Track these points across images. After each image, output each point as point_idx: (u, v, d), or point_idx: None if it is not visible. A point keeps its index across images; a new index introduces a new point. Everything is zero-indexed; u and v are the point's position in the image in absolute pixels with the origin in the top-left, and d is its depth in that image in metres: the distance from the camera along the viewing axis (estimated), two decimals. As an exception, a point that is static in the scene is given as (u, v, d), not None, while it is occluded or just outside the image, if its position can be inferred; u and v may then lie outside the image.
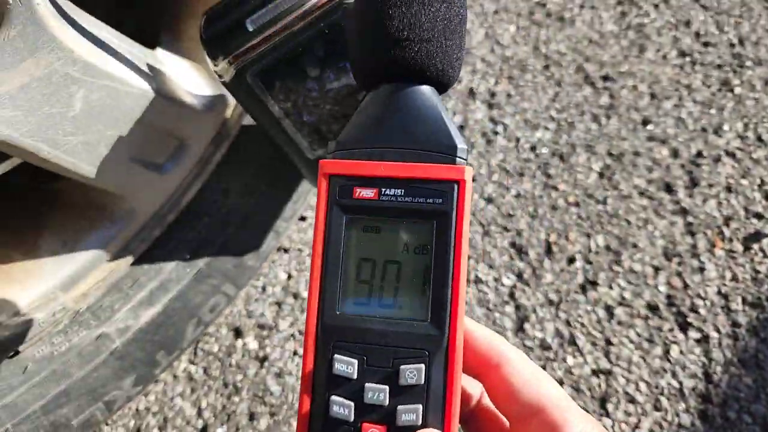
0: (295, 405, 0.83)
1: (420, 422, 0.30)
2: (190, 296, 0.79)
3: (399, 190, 0.31)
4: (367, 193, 0.31)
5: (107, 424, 0.83)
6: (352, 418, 0.30)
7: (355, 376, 0.30)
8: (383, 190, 0.31)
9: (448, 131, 0.32)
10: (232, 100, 0.74)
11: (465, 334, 0.32)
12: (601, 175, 1.03)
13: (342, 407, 0.30)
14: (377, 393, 0.30)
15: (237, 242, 0.82)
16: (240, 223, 0.82)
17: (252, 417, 0.82)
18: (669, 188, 1.01)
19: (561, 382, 0.83)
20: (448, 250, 0.31)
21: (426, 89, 0.33)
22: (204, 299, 0.81)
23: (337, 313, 0.31)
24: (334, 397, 0.30)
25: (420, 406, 0.30)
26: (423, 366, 0.30)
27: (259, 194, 0.82)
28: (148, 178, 0.70)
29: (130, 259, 0.75)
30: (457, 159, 0.31)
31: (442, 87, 0.34)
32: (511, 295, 0.91)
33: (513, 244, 0.96)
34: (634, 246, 0.95)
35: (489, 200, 1.01)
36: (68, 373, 0.71)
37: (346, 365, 0.30)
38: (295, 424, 0.81)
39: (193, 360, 0.87)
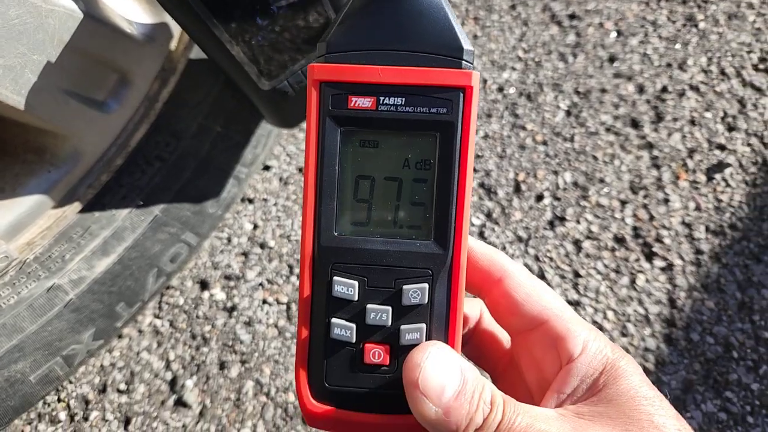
0: (266, 352, 0.81)
1: (424, 339, 0.29)
2: (147, 245, 0.76)
3: (399, 99, 0.28)
4: (364, 102, 0.28)
5: (71, 382, 0.80)
6: (354, 340, 0.29)
7: (356, 298, 0.29)
8: (381, 98, 0.28)
9: (453, 31, 0.28)
10: (176, 31, 0.69)
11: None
12: (568, 113, 1.02)
13: (343, 329, 0.29)
14: (380, 314, 0.29)
15: (194, 188, 0.78)
16: (196, 167, 0.78)
17: (222, 366, 0.80)
18: (635, 123, 1.00)
19: (531, 315, 0.83)
20: (452, 164, 0.28)
21: None
22: (163, 248, 0.77)
23: (335, 234, 0.29)
24: (334, 320, 0.29)
25: (423, 325, 0.29)
26: (426, 285, 0.29)
27: (215, 136, 0.78)
28: (89, 116, 0.66)
29: (77, 205, 0.71)
30: (463, 63, 0.28)
31: None
32: (481, 234, 0.90)
33: (482, 185, 0.95)
34: (601, 181, 0.95)
35: (457, 142, 0.99)
36: (19, 326, 0.68)
37: (346, 287, 0.29)
38: (267, 370, 0.80)
39: (158, 314, 0.85)
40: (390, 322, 0.29)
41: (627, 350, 0.80)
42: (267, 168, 0.97)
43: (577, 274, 0.86)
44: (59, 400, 0.79)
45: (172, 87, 0.73)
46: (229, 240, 0.90)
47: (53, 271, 0.70)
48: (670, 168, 0.96)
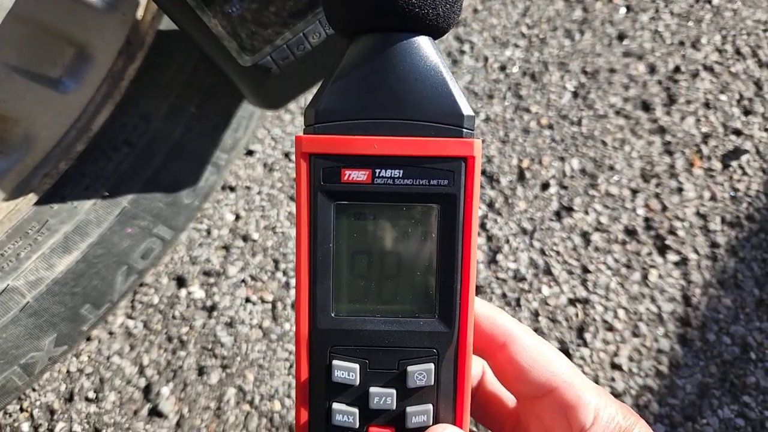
0: (249, 356, 0.75)
1: (431, 422, 0.28)
2: (114, 241, 0.68)
3: (396, 171, 0.27)
4: (359, 175, 0.27)
5: (34, 390, 0.73)
6: (357, 425, 0.28)
7: (357, 382, 0.28)
8: (377, 171, 0.27)
9: (452, 96, 0.26)
10: (141, -3, 0.61)
11: None
12: (575, 94, 0.95)
13: (345, 415, 0.28)
14: (384, 398, 0.28)
15: (167, 176, 0.70)
16: (168, 153, 0.70)
17: (201, 371, 0.74)
18: (646, 106, 0.94)
19: (536, 314, 0.77)
20: (455, 237, 0.27)
21: (423, 41, 0.27)
22: (133, 244, 0.70)
23: (332, 315, 0.28)
24: (335, 405, 0.28)
25: (430, 407, 0.28)
26: (432, 366, 0.28)
27: (189, 118, 0.70)
28: (42, 95, 0.57)
29: (32, 197, 0.62)
30: (464, 131, 0.27)
31: (437, 34, 0.28)
32: (482, 226, 0.84)
33: (483, 172, 0.88)
34: (611, 168, 0.88)
35: (456, 126, 0.92)
36: (-32, 334, 0.60)
37: (346, 372, 0.28)
38: (251, 376, 0.73)
39: (131, 314, 0.77)
40: (395, 406, 0.28)
41: (639, 352, 0.75)
42: (250, 153, 0.89)
43: (585, 270, 0.81)
44: (22, 410, 0.72)
45: (139, 62, 0.64)
46: (208, 232, 0.83)
47: (7, 271, 0.63)
48: (684, 154, 0.89)
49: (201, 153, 0.73)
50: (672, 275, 0.80)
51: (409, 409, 0.28)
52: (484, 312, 0.31)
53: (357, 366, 0.28)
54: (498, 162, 0.89)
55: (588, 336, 0.76)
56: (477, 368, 0.35)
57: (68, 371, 0.74)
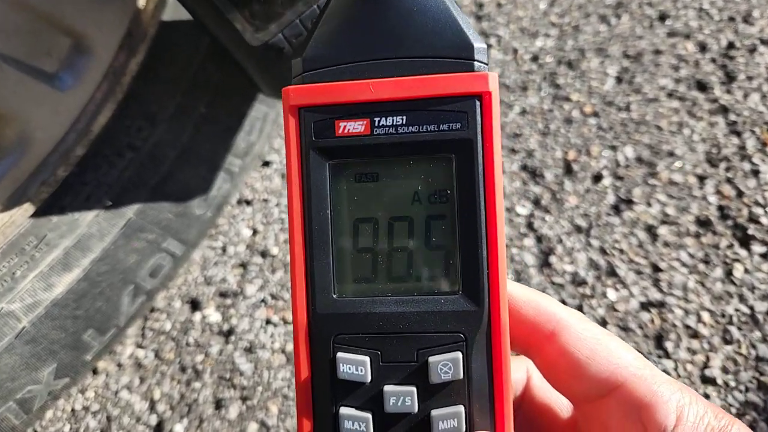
0: (272, 385, 0.65)
1: (464, 429, 0.23)
2: (120, 257, 0.61)
3: (399, 118, 0.23)
4: (355, 126, 0.23)
5: (35, 433, 0.65)
6: None
7: (368, 379, 0.23)
8: (377, 120, 0.23)
9: (458, 26, 0.23)
10: (142, -16, 0.56)
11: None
12: (619, 79, 0.86)
13: (356, 421, 0.23)
14: (402, 398, 0.23)
15: (176, 184, 0.64)
16: (176, 158, 0.64)
17: (219, 404, 0.64)
18: (702, 86, 0.84)
19: (604, 322, 0.66)
20: (476, 191, 0.23)
21: None
22: (140, 260, 0.63)
23: (334, 297, 0.24)
24: (343, 410, 0.23)
25: (461, 408, 0.23)
26: (459, 354, 0.23)
27: (198, 119, 0.64)
28: (36, 91, 0.52)
29: (28, 208, 0.57)
30: (476, 63, 0.23)
31: None
32: (530, 226, 0.74)
33: (524, 167, 0.79)
34: (671, 154, 0.78)
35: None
36: (-45, 365, 0.53)
37: (354, 366, 0.23)
38: (274, 408, 0.64)
39: (141, 343, 0.69)
40: (416, 408, 0.23)
41: (734, 361, 0.62)
42: (266, 164, 0.82)
43: (656, 268, 0.69)
44: (20, 457, 0.64)
45: (141, 56, 0.59)
46: (224, 249, 0.75)
47: (1, 293, 0.56)
48: (754, 133, 0.79)
49: (212, 158, 0.67)
50: (761, 269, 0.68)
51: (434, 412, 0.23)
52: (525, 296, 0.25)
53: (367, 359, 0.23)
54: (540, 156, 0.79)
55: (669, 345, 0.64)
56: (520, 371, 0.29)
57: (73, 410, 0.66)
